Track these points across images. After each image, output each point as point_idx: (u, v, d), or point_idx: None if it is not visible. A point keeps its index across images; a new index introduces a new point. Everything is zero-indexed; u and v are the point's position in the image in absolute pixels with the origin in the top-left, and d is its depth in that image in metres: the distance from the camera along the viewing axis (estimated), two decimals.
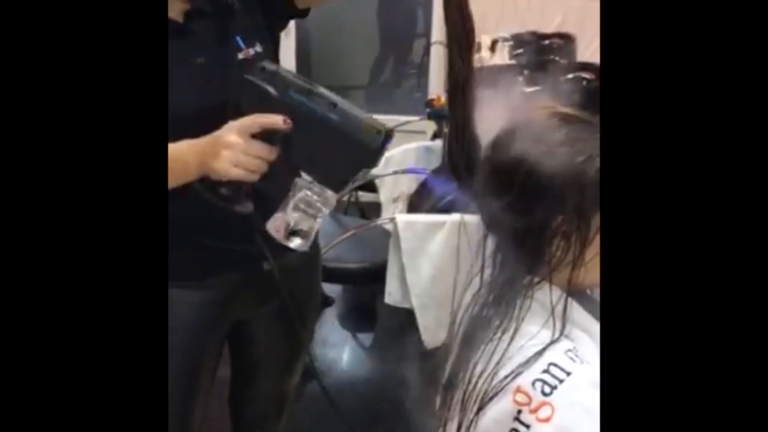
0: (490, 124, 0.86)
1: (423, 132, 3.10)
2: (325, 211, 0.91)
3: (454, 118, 0.86)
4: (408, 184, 2.35)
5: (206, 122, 0.85)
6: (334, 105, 0.84)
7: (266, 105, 0.84)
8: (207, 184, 0.87)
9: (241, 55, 0.94)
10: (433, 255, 1.81)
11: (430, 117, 2.39)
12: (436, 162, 2.34)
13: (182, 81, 0.84)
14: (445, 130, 2.32)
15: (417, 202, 2.07)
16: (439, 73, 3.24)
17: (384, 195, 2.45)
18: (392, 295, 1.92)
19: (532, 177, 0.73)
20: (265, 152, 0.84)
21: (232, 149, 0.82)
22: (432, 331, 1.89)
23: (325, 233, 2.22)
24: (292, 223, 0.89)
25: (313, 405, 2.04)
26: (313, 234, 0.91)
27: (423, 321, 1.89)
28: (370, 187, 2.47)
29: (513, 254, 0.76)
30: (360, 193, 2.73)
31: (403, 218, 1.80)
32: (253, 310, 1.08)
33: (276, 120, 0.83)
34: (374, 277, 2.04)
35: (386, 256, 1.94)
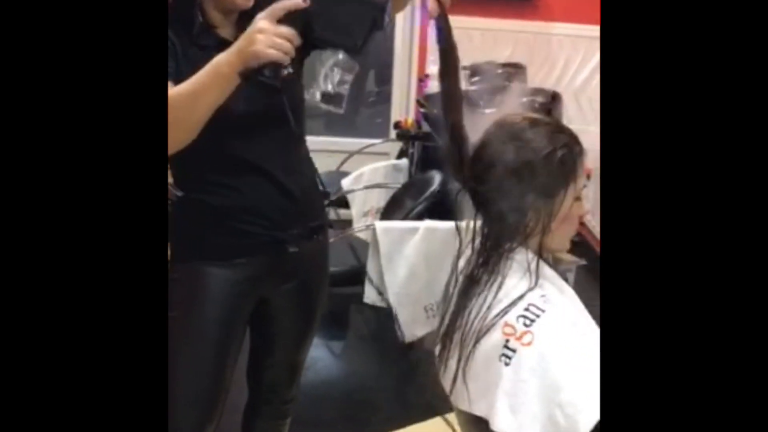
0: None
1: (386, 153, 3.34)
2: (349, 77, 1.09)
3: (450, 124, 1.09)
4: (377, 199, 2.58)
5: None
6: None
7: None
8: (250, 73, 1.01)
9: None
10: (408, 257, 2.03)
11: (398, 137, 2.63)
12: (403, 178, 2.56)
13: None
14: (411, 150, 2.55)
15: (389, 213, 2.30)
16: (400, 99, 3.50)
17: (355, 210, 2.66)
18: (371, 295, 2.14)
19: (510, 165, 0.97)
20: (291, 35, 1.00)
21: (264, 33, 0.98)
22: (408, 325, 2.12)
23: None
24: (326, 89, 1.07)
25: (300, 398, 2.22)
26: (344, 99, 1.08)
27: (401, 317, 2.11)
28: (342, 203, 2.67)
29: (497, 227, 0.99)
30: (332, 210, 2.93)
31: (381, 225, 2.02)
32: (276, 288, 1.28)
33: (296, 2, 1.00)
34: (349, 279, 2.26)
35: (357, 261, 2.16)
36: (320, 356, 2.49)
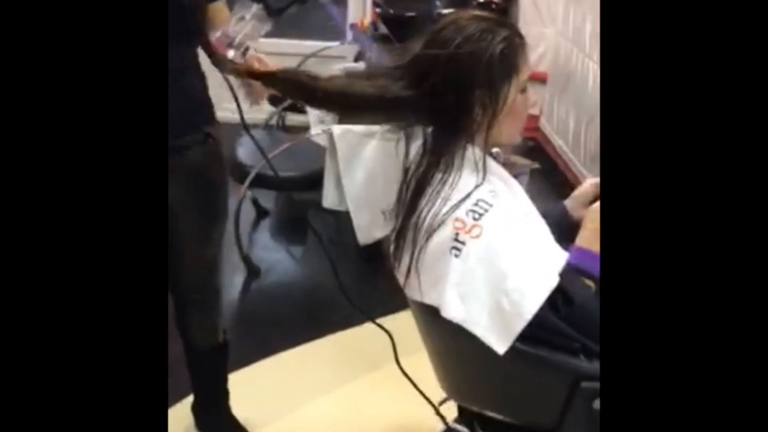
0: None
1: (343, 57, 3.28)
2: (259, 33, 1.15)
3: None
4: None
5: None
6: None
7: None
8: None
9: None
10: (365, 161, 2.04)
11: (354, 39, 2.58)
12: None
13: None
14: (369, 54, 2.51)
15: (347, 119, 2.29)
16: (356, 3, 3.41)
17: (312, 116, 2.63)
18: (329, 198, 2.16)
19: (453, 59, 0.98)
20: None
21: None
22: (365, 228, 2.16)
23: (263, 147, 2.42)
24: (234, 37, 1.13)
25: (258, 297, 2.28)
26: (244, 45, 1.13)
27: (357, 221, 2.15)
28: (298, 109, 2.64)
29: (444, 123, 1.02)
30: (288, 114, 2.90)
31: (338, 129, 2.02)
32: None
33: None
34: (307, 184, 2.28)
35: (316, 166, 2.17)
36: (280, 259, 2.55)
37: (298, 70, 1.22)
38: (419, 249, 0.99)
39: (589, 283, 1.03)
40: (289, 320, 2.16)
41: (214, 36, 1.13)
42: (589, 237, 1.05)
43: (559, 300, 0.95)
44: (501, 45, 0.99)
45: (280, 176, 2.31)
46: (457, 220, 0.96)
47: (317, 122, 2.67)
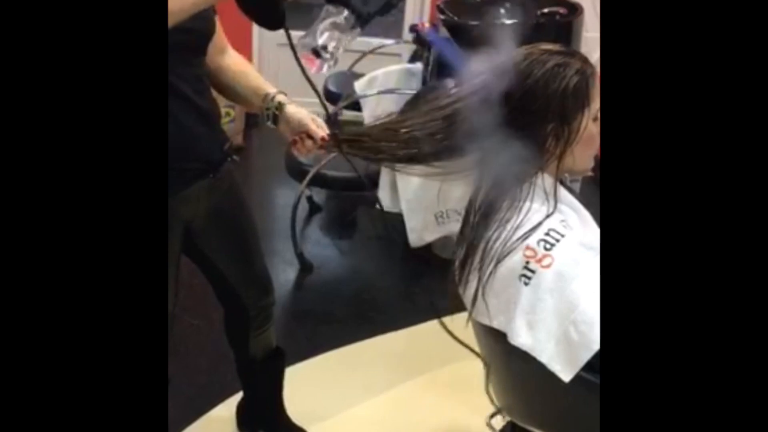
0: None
1: (398, 55, 3.29)
2: (346, 41, 1.07)
3: None
4: (390, 105, 2.57)
5: None
6: None
7: None
8: None
9: None
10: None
11: (415, 41, 2.59)
12: (417, 84, 2.55)
13: None
14: (426, 54, 2.52)
15: None
16: (413, 3, 3.41)
17: (367, 113, 2.66)
18: (384, 200, 2.20)
19: (530, 97, 1.00)
20: None
21: None
22: (418, 231, 2.20)
23: None
24: (319, 42, 1.07)
25: (310, 293, 2.34)
26: (335, 57, 1.07)
27: (410, 223, 2.18)
28: (355, 106, 2.67)
29: (519, 154, 1.04)
30: (345, 111, 2.94)
31: None
32: (198, 213, 1.29)
33: None
34: (362, 185, 2.31)
35: (373, 167, 2.20)
36: (331, 256, 2.59)
37: (361, 130, 1.20)
38: (488, 275, 1.02)
39: None
40: (340, 318, 2.21)
41: (302, 44, 1.06)
42: None
43: None
44: (575, 79, 1.00)
45: (337, 176, 2.36)
46: (528, 248, 0.98)
47: (372, 120, 2.70)
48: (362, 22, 1.08)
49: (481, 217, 1.07)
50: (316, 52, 1.07)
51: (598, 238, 1.06)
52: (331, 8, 1.07)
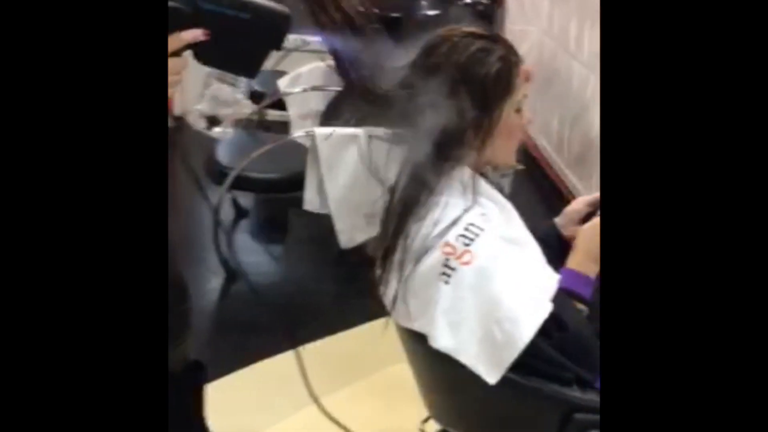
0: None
1: (325, 52, 3.21)
2: (240, 97, 1.01)
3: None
4: (317, 102, 2.49)
5: None
6: (244, 4, 0.91)
7: (181, 21, 0.89)
8: None
9: None
10: (348, 164, 2.00)
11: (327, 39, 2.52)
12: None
13: None
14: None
15: (329, 117, 2.24)
16: None
17: (293, 112, 2.57)
18: (311, 202, 2.11)
19: (446, 81, 0.94)
20: (179, 64, 0.91)
21: None
22: (348, 233, 2.12)
23: (243, 147, 2.36)
24: (207, 112, 1.01)
25: (238, 302, 2.24)
26: (232, 123, 1.02)
27: (339, 224, 2.10)
28: (279, 105, 2.58)
29: (437, 144, 0.97)
30: (269, 111, 2.84)
31: (321, 131, 1.97)
32: None
33: (196, 34, 0.90)
34: (289, 186, 2.23)
35: (299, 167, 2.12)
36: (260, 262, 2.49)
37: None
38: (407, 274, 0.95)
39: (581, 306, 1.00)
40: (269, 326, 2.11)
41: (192, 116, 1.01)
42: (582, 259, 1.02)
43: (551, 327, 0.92)
44: (497, 65, 0.95)
45: (261, 178, 2.27)
46: (446, 245, 0.92)
47: (298, 119, 2.62)
48: (250, 77, 1.01)
49: (398, 213, 1.00)
50: (211, 121, 1.02)
51: (523, 232, 1.01)
52: (212, 72, 0.98)
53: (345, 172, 2.09)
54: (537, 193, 2.95)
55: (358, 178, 2.09)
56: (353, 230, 2.17)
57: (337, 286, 2.36)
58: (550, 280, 0.97)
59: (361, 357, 1.91)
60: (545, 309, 0.91)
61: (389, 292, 1.00)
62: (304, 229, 2.70)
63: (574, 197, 2.90)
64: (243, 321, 2.14)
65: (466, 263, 0.90)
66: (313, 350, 1.97)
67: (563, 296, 0.97)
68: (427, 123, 0.95)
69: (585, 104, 2.70)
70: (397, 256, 0.98)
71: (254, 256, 2.53)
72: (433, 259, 0.93)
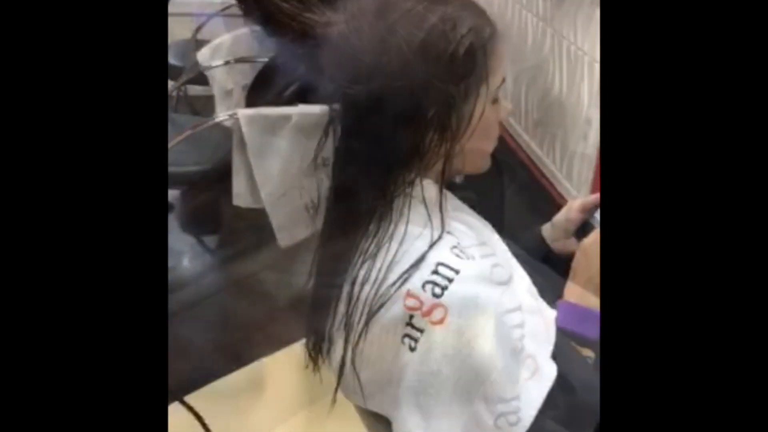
0: None
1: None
2: None
3: None
4: (243, 74, 2.18)
5: None
6: None
7: None
8: None
9: None
10: (281, 150, 1.71)
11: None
12: (273, 47, 2.17)
13: None
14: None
15: (257, 95, 1.93)
16: None
17: (216, 88, 2.26)
18: (241, 196, 1.81)
19: (401, 69, 0.66)
20: None
21: None
22: (287, 229, 1.83)
23: None
24: None
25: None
26: None
27: (276, 220, 1.81)
28: (200, 79, 2.27)
29: (386, 154, 0.70)
30: (189, 86, 2.52)
31: (245, 113, 1.67)
32: None
33: None
34: (217, 178, 1.92)
35: (228, 155, 1.81)
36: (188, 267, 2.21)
37: None
38: (357, 335, 0.69)
39: (587, 352, 0.76)
40: (200, 348, 1.84)
41: None
42: (584, 287, 0.78)
43: (557, 394, 0.67)
44: (466, 42, 0.67)
45: (182, 171, 1.96)
46: (409, 295, 0.66)
47: (222, 96, 2.29)
48: None
49: (336, 247, 0.74)
50: None
51: (505, 259, 0.76)
52: None
53: (277, 158, 1.80)
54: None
55: (293, 165, 1.81)
56: (293, 226, 1.90)
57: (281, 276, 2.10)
58: (546, 324, 0.73)
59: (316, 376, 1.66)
60: (548, 375, 0.67)
61: (334, 356, 0.73)
62: (240, 219, 2.42)
63: (536, 167, 2.68)
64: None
65: (438, 322, 0.64)
66: (254, 371, 1.73)
67: (566, 343, 0.73)
68: (375, 127, 0.68)
69: (542, 60, 2.45)
70: (340, 307, 0.71)
71: (182, 259, 2.23)
72: (392, 315, 0.66)
